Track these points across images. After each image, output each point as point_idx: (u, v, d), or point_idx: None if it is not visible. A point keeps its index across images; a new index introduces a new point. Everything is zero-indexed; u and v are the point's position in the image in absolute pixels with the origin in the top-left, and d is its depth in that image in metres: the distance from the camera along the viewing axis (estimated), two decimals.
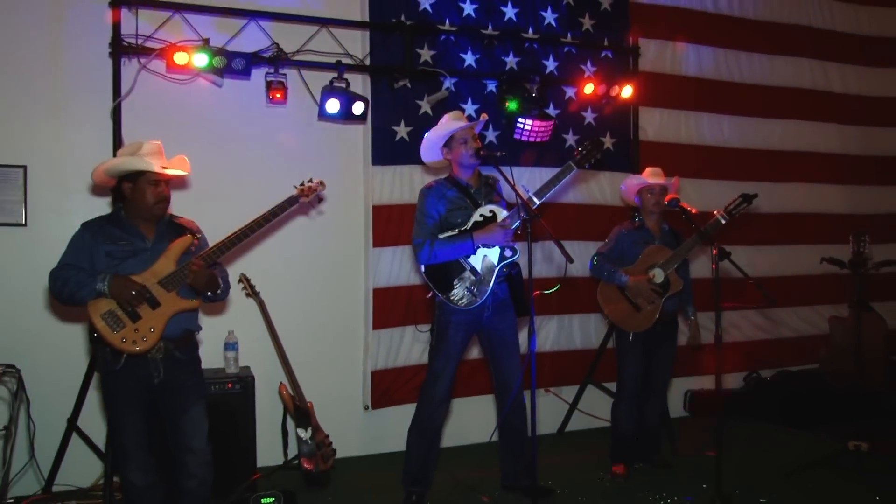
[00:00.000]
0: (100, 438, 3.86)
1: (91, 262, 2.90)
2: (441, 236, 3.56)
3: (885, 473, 4.07)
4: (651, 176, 4.11)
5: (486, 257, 3.54)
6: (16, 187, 3.95)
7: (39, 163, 3.99)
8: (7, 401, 3.69)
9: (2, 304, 3.91)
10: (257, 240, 4.18)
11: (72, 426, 3.83)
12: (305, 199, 3.27)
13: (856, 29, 6.25)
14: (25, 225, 3.97)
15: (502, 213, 3.58)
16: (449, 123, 3.65)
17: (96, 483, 3.93)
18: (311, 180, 3.31)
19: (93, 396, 3.90)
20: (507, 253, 3.54)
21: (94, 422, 3.91)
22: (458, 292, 3.51)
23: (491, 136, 4.85)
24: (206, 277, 2.95)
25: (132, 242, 2.95)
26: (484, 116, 3.87)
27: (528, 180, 4.76)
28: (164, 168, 2.97)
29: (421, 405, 3.68)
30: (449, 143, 3.67)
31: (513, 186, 3.31)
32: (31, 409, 3.53)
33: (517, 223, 3.49)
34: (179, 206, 3.24)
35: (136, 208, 2.97)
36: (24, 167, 3.96)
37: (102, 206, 3.94)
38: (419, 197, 3.68)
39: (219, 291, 3.07)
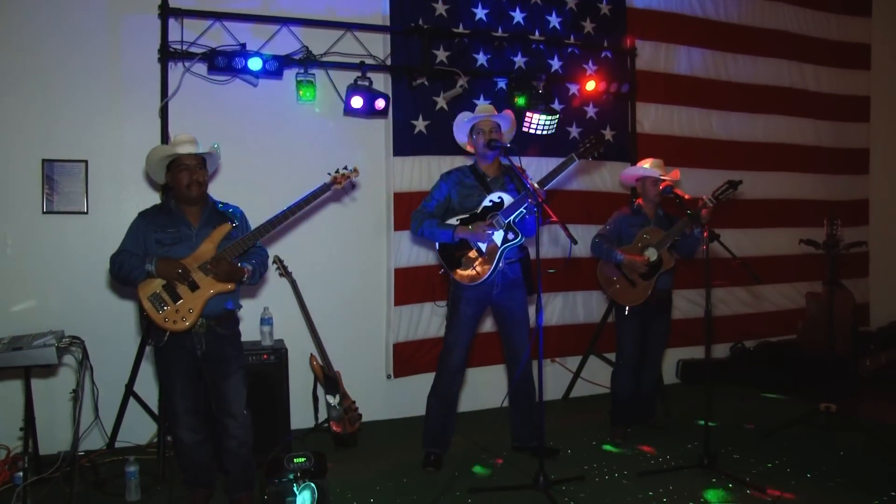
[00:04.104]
0: (153, 402, 3.80)
1: (144, 247, 2.82)
2: (449, 220, 3.44)
3: (849, 431, 4.02)
4: (654, 167, 3.93)
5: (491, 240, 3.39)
6: (78, 179, 3.86)
7: (98, 157, 3.90)
8: (74, 368, 3.63)
9: (68, 282, 3.83)
10: (290, 224, 4.04)
11: (129, 391, 3.76)
12: (338, 187, 3.08)
13: (826, 34, 6.04)
14: (87, 213, 3.89)
15: (508, 200, 3.42)
16: (470, 114, 3.50)
17: (151, 441, 3.86)
18: (345, 168, 3.11)
19: (146, 364, 3.80)
20: (510, 236, 3.38)
21: (148, 387, 3.82)
22: (465, 269, 3.39)
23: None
24: (226, 270, 2.80)
25: (179, 229, 2.85)
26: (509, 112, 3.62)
27: (535, 169, 4.56)
28: (187, 152, 2.82)
29: (438, 374, 3.57)
30: (472, 132, 3.50)
31: (520, 172, 3.15)
32: (95, 375, 3.44)
33: (499, 230, 3.36)
34: (220, 194, 3.10)
35: (177, 193, 2.88)
36: (86, 161, 3.87)
37: (153, 195, 3.85)
38: (437, 179, 3.57)
39: (245, 279, 2.89)
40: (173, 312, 2.75)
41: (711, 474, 3.38)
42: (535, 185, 3.25)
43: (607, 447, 3.88)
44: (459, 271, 3.40)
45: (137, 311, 3.40)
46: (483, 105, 3.66)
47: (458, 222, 3.43)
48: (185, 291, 2.77)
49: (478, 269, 3.38)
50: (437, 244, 3.47)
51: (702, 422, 3.46)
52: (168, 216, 2.88)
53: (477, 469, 3.55)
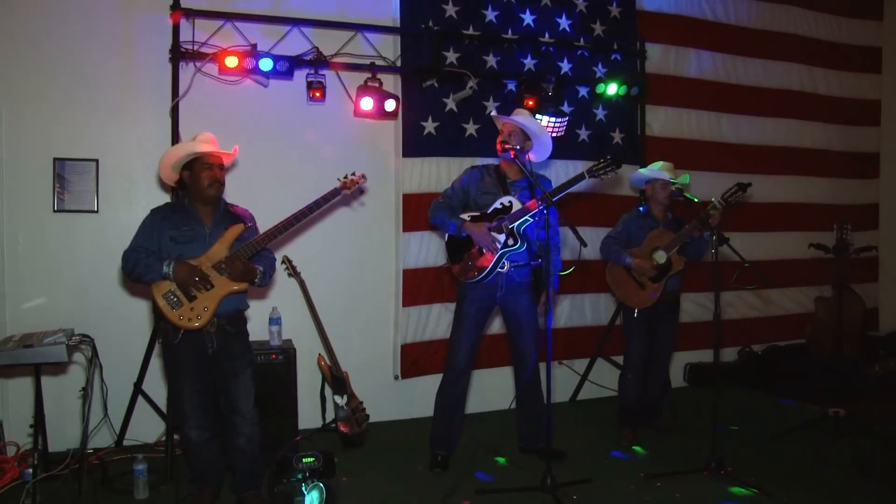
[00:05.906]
0: (161, 400, 3.80)
1: (157, 243, 2.82)
2: (462, 215, 3.46)
3: (858, 437, 3.99)
4: (665, 170, 3.91)
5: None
6: (89, 179, 3.87)
7: (109, 157, 3.90)
8: (83, 366, 3.63)
9: (78, 281, 3.84)
10: (299, 226, 4.03)
11: (138, 389, 3.77)
12: (347, 192, 3.10)
13: (837, 37, 6.00)
14: (97, 212, 3.89)
15: (517, 205, 3.42)
16: (505, 117, 3.50)
17: (159, 439, 3.86)
18: (353, 173, 3.12)
19: (155, 363, 3.80)
20: (510, 242, 3.38)
21: (156, 386, 3.82)
22: (464, 266, 3.41)
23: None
24: (240, 269, 2.81)
25: (193, 228, 2.85)
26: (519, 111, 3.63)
27: (543, 172, 4.53)
28: (213, 151, 2.86)
29: (444, 374, 3.56)
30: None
31: (531, 178, 3.12)
32: (104, 373, 3.43)
33: (502, 234, 3.37)
34: (230, 196, 3.10)
35: (194, 192, 2.88)
36: (97, 161, 3.88)
37: (164, 194, 3.85)
38: (462, 172, 3.63)
39: (256, 280, 2.91)
40: (188, 311, 2.76)
41: (719, 478, 3.35)
42: (546, 193, 3.24)
43: (614, 450, 3.86)
44: (459, 266, 3.44)
45: (151, 308, 3.42)
46: (519, 109, 3.66)
47: (469, 218, 3.44)
48: (200, 290, 2.78)
49: (476, 268, 3.39)
50: (446, 235, 3.50)
51: (709, 424, 3.44)
52: (182, 214, 2.89)
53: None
